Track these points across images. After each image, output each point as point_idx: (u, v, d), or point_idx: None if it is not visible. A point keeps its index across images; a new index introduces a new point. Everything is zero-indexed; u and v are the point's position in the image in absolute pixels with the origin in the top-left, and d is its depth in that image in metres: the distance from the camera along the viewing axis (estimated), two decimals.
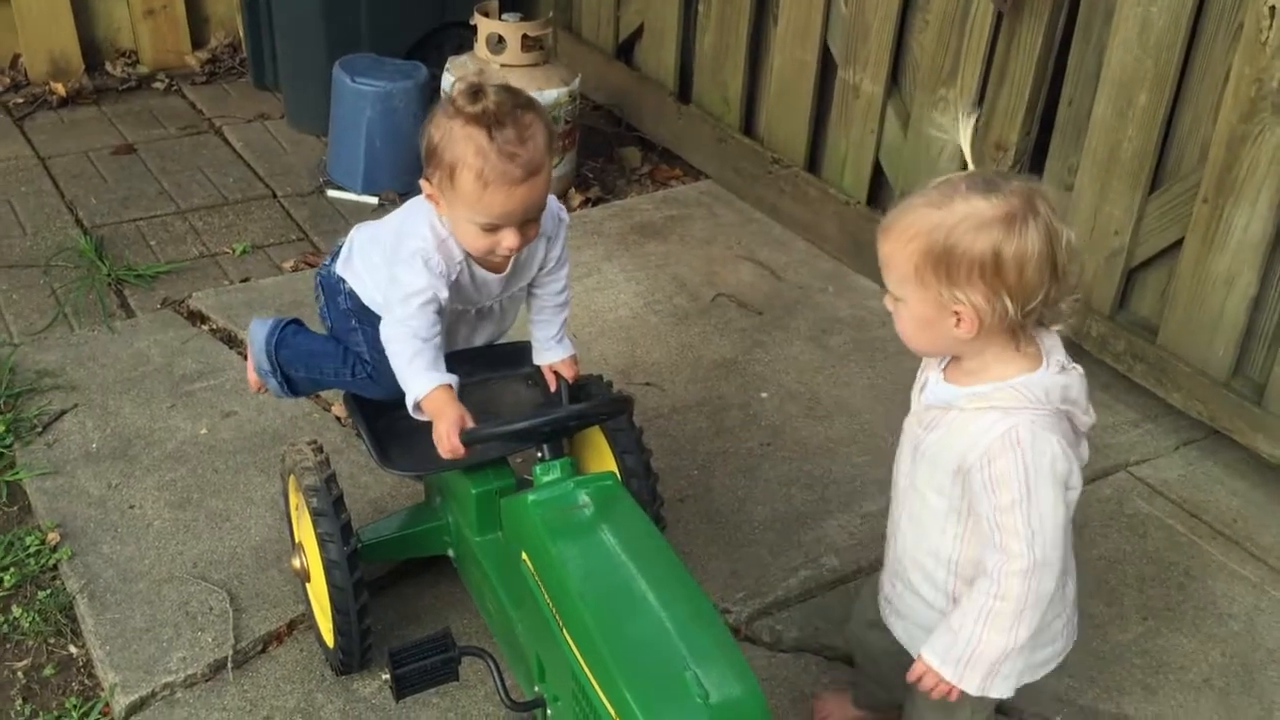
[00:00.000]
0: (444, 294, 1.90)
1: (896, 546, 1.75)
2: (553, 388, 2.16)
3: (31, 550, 2.35)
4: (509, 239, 1.85)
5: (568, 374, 2.16)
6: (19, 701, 2.08)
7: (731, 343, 3.15)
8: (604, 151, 4.17)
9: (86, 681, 2.13)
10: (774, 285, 3.43)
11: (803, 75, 3.56)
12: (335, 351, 2.16)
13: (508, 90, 1.84)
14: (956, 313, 1.51)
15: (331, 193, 3.83)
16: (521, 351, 2.26)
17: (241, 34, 4.47)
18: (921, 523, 1.68)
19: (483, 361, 2.24)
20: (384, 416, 2.13)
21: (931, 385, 1.67)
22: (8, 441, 2.62)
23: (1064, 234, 1.50)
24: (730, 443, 2.77)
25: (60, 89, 4.31)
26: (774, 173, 3.72)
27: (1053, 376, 1.56)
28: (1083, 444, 1.65)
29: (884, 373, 3.06)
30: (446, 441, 1.84)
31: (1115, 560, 2.50)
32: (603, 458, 2.17)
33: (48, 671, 2.14)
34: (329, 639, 2.08)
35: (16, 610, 2.24)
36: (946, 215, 1.49)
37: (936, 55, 3.13)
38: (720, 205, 3.85)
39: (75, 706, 2.06)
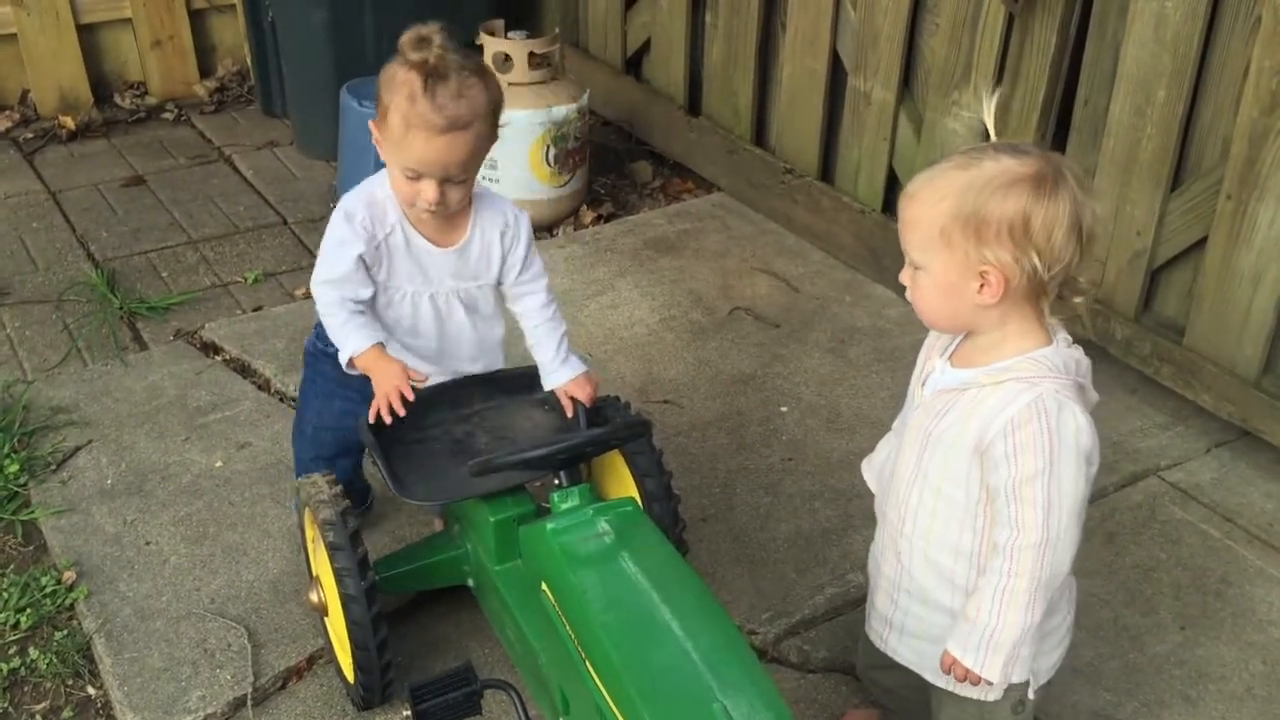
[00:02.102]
0: (360, 249, 1.98)
1: (902, 557, 1.69)
2: (569, 413, 2.11)
3: (48, 590, 2.33)
4: (428, 190, 1.91)
5: (582, 395, 2.11)
6: None
7: (750, 357, 3.11)
8: (615, 167, 4.14)
9: None
10: (791, 297, 3.39)
11: (813, 84, 3.52)
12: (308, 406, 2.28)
13: (462, 54, 1.90)
14: (983, 274, 1.48)
15: None
16: (535, 376, 2.23)
17: (249, 62, 4.47)
18: (936, 520, 1.63)
19: (497, 387, 2.22)
20: (400, 445, 2.10)
21: (938, 373, 1.64)
22: (22, 480, 2.60)
23: (1089, 204, 1.49)
24: (751, 459, 2.73)
25: (70, 122, 4.31)
26: (787, 183, 3.68)
27: (1067, 350, 1.55)
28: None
29: (905, 382, 2.97)
30: (391, 396, 1.93)
31: (1149, 569, 2.44)
32: (622, 481, 2.13)
33: (66, 714, 2.11)
34: (349, 673, 2.05)
35: (34, 652, 2.21)
36: (976, 175, 1.47)
37: (948, 58, 3.09)
38: (733, 217, 3.81)
39: None
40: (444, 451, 2.11)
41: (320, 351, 2.20)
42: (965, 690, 1.62)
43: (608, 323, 3.23)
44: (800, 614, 2.30)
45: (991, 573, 1.54)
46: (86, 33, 4.38)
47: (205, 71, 4.65)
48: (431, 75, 1.85)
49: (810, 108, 3.56)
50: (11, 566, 2.40)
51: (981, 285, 1.49)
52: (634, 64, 4.27)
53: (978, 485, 1.57)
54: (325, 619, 2.13)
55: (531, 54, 3.56)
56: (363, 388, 2.06)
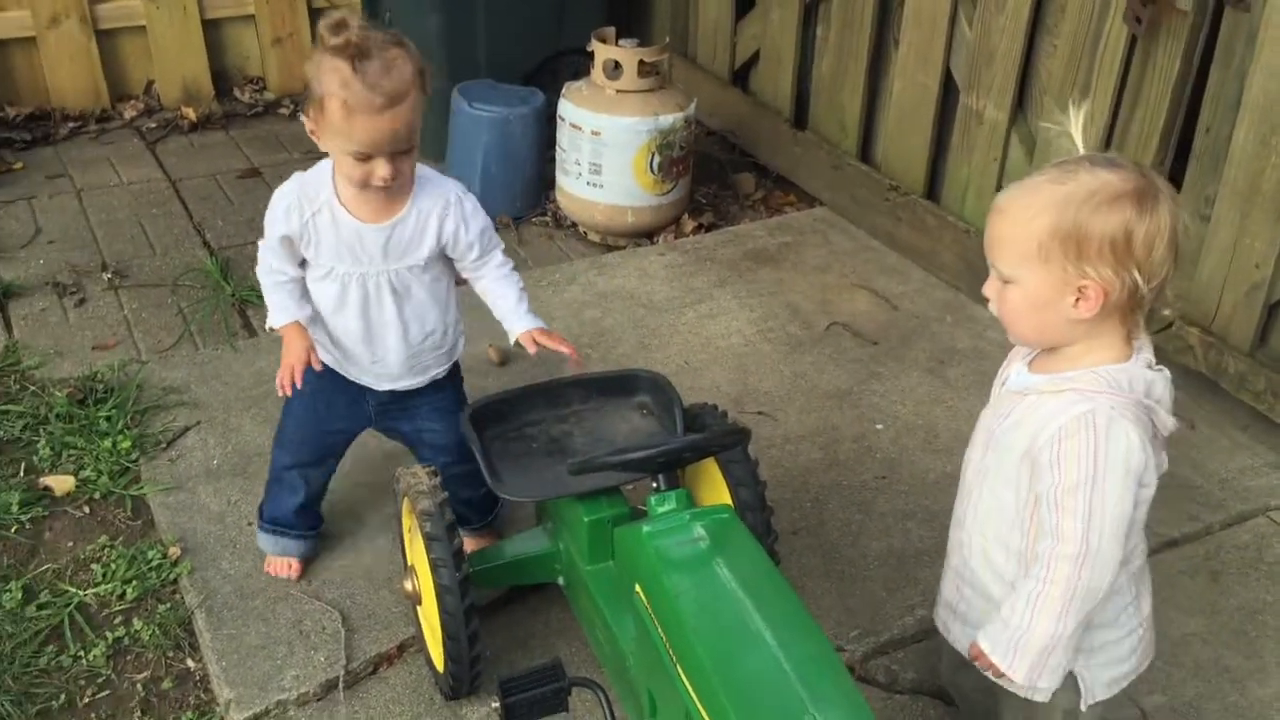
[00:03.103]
0: (284, 229, 2.04)
1: (964, 549, 1.72)
2: (532, 352, 2.17)
3: (153, 564, 2.40)
4: (381, 168, 1.94)
5: (551, 342, 2.16)
6: (137, 714, 2.12)
7: (846, 372, 3.08)
8: (718, 178, 4.15)
9: (203, 696, 2.16)
10: (890, 315, 3.36)
11: (924, 101, 3.49)
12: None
13: (377, 30, 1.93)
14: (1081, 289, 1.48)
15: None
16: (637, 380, 2.25)
17: None
18: (992, 517, 1.65)
19: (596, 389, 2.24)
20: (499, 441, 2.14)
21: (1014, 376, 1.65)
22: (133, 457, 2.69)
23: (1182, 216, 1.48)
24: (844, 475, 2.71)
25: (191, 114, 4.45)
26: (891, 200, 3.65)
27: (1139, 369, 1.53)
28: (1162, 453, 1.58)
29: None
30: (295, 369, 2.04)
31: (1254, 610, 2.37)
32: (716, 489, 2.13)
33: (166, 685, 2.18)
34: (439, 663, 2.08)
35: (138, 623, 2.28)
36: (1075, 189, 1.46)
37: (1065, 80, 3.04)
38: (835, 232, 3.79)
39: None
40: (540, 450, 2.14)
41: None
42: (1012, 686, 1.62)
43: (705, 332, 3.24)
44: (889, 633, 2.28)
45: (1030, 578, 1.56)
46: (211, 28, 4.52)
47: None
48: (357, 56, 1.87)
49: (919, 125, 3.53)
50: (120, 539, 2.48)
51: (1078, 300, 1.49)
52: (741, 76, 4.27)
53: (1026, 489, 1.58)
54: (418, 608, 2.17)
55: (641, 62, 3.59)
56: (347, 393, 2.22)
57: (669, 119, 3.60)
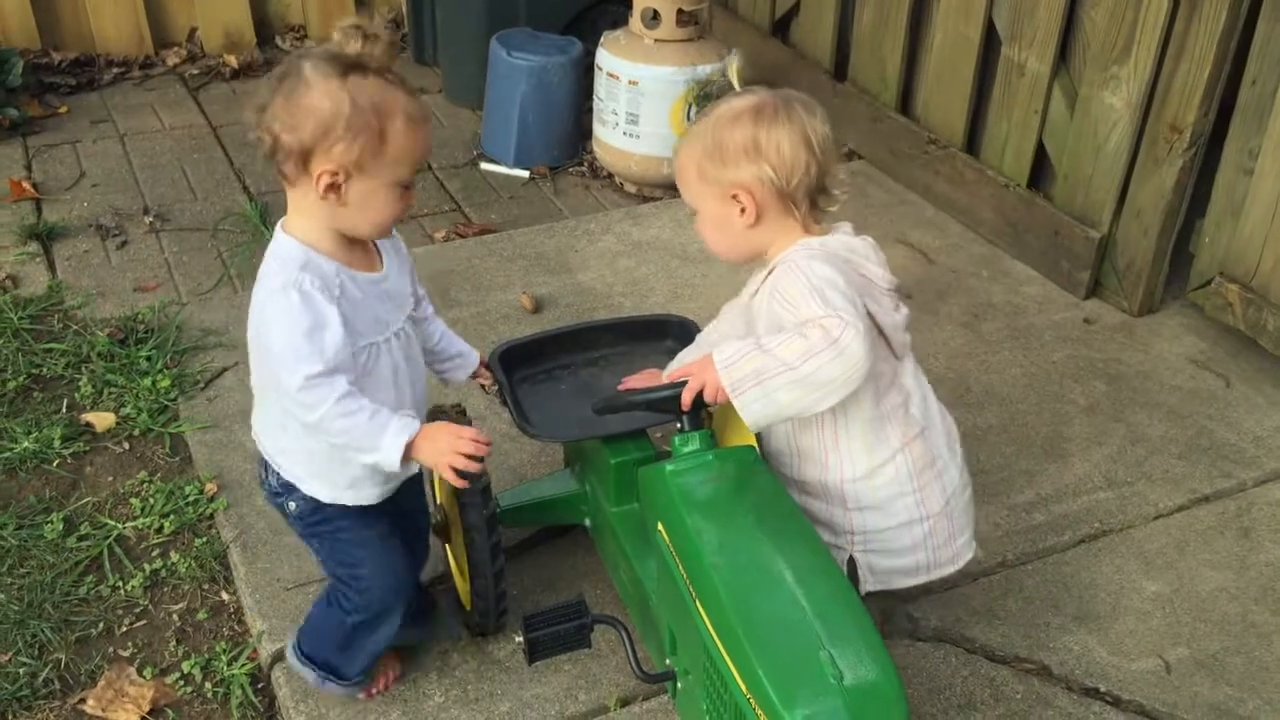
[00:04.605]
0: (337, 319, 1.61)
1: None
2: (490, 386, 2.09)
3: (190, 499, 2.45)
4: (413, 193, 1.69)
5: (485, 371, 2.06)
6: (173, 643, 2.18)
7: None
8: None
9: (236, 627, 2.21)
10: (926, 268, 3.34)
11: (965, 52, 3.44)
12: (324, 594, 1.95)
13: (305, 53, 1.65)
14: (735, 197, 1.74)
15: (485, 165, 3.89)
16: (666, 325, 2.25)
17: (404, 10, 4.57)
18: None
19: (625, 333, 2.25)
20: (527, 384, 2.15)
21: (747, 291, 1.87)
22: (172, 395, 2.73)
23: (818, 125, 1.73)
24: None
25: (233, 61, 4.48)
26: (930, 153, 3.61)
27: (830, 238, 1.78)
28: (901, 310, 1.83)
29: (1038, 361, 2.95)
30: (469, 445, 1.68)
31: None
32: (742, 434, 2.14)
33: (201, 616, 2.23)
34: (466, 600, 2.11)
35: (175, 556, 2.34)
36: (713, 118, 1.76)
37: (1109, 31, 2.98)
38: (872, 186, 3.76)
39: (225, 651, 2.15)
40: (569, 392, 2.15)
41: (316, 507, 1.82)
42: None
43: (738, 283, 3.22)
44: None
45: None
46: None
47: None
48: (388, 70, 1.62)
49: (960, 77, 3.48)
50: (158, 475, 2.54)
51: (742, 210, 1.74)
52: (782, 26, 4.23)
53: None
54: (447, 546, 2.20)
55: (680, 11, 3.56)
56: (395, 504, 1.87)
57: (707, 69, 3.57)
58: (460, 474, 1.70)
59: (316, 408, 1.61)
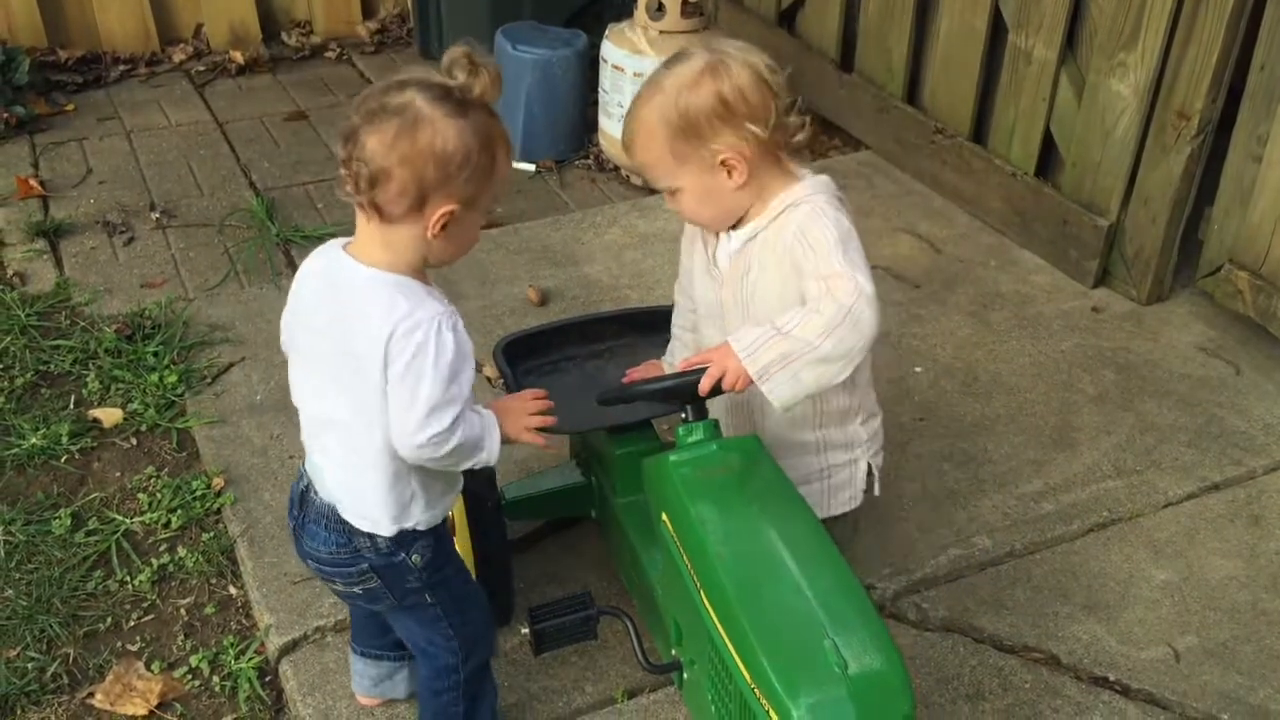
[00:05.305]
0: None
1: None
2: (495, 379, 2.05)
3: (198, 494, 2.46)
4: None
5: None
6: (181, 637, 2.18)
7: (887, 315, 2.97)
8: None
9: (244, 621, 2.22)
10: (933, 258, 3.33)
11: (971, 41, 3.42)
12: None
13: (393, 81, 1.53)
14: (723, 162, 1.69)
15: None
16: (667, 316, 2.24)
17: (410, 4, 4.56)
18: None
19: (630, 324, 2.24)
20: (532, 375, 2.15)
21: (724, 245, 1.82)
22: (179, 391, 2.74)
23: (758, 59, 1.69)
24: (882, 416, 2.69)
25: (239, 57, 4.48)
26: (937, 143, 3.60)
27: (819, 178, 1.77)
28: None
29: (1047, 350, 2.93)
30: (537, 404, 1.72)
31: None
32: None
33: (209, 610, 2.24)
34: None
35: (182, 550, 2.34)
36: (665, 95, 1.68)
37: (1116, 17, 2.96)
38: (879, 176, 3.75)
39: (232, 644, 2.15)
40: (574, 384, 2.15)
41: (436, 550, 1.70)
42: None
43: None
44: (921, 572, 2.28)
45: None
46: None
47: (367, 13, 4.78)
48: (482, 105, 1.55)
49: (967, 66, 3.46)
50: (166, 470, 2.54)
51: (730, 172, 1.70)
52: (788, 17, 4.21)
53: (794, 291, 1.72)
54: (453, 538, 2.19)
55: (685, 3, 3.55)
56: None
57: None
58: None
59: (448, 441, 1.54)
